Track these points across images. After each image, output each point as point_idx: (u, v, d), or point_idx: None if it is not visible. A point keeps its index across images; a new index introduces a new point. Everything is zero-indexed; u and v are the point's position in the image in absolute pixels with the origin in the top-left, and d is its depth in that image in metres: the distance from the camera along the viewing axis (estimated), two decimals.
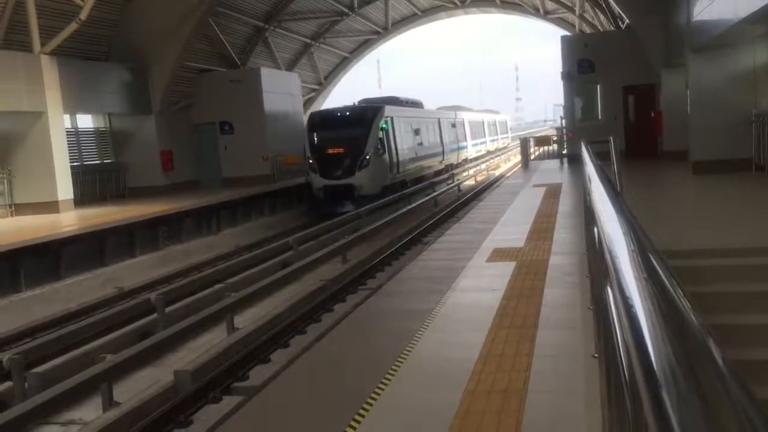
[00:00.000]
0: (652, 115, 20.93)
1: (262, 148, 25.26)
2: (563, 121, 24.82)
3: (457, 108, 41.25)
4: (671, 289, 1.05)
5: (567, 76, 22.81)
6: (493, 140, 53.47)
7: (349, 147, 23.24)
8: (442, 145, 33.27)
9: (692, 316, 0.91)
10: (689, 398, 0.68)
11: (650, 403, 0.73)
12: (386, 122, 24.48)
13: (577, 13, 35.93)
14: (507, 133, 64.43)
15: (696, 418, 0.64)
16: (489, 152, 50.03)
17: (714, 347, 0.80)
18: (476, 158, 44.13)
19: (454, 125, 36.60)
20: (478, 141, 45.73)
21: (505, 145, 61.27)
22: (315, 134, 24.20)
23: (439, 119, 33.75)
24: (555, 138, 27.06)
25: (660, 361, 0.80)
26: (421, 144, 29.42)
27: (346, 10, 34.22)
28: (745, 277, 6.94)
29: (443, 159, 33.58)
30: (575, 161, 19.65)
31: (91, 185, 21.33)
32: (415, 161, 28.12)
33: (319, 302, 11.25)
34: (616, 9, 23.05)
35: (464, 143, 39.43)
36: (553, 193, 14.94)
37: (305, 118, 27.79)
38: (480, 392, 4.19)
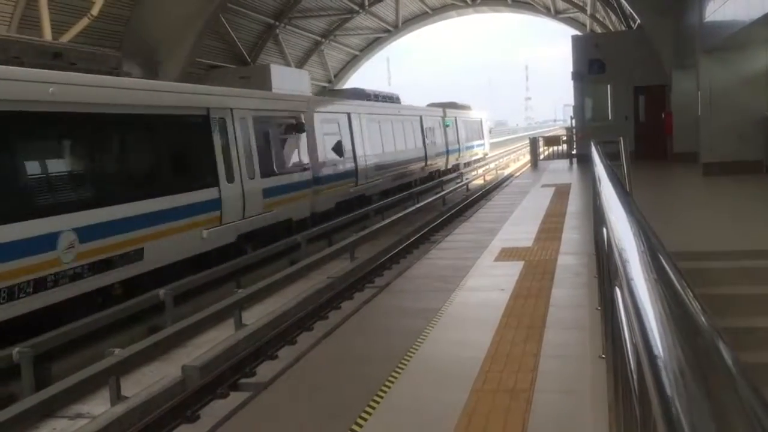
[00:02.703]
0: (663, 116, 20.84)
1: None
2: (573, 121, 24.75)
3: (338, 94, 24.08)
4: (681, 291, 1.05)
5: (577, 76, 22.73)
6: (444, 153, 32.39)
7: None
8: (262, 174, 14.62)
9: (703, 318, 0.91)
10: (699, 400, 0.68)
11: (660, 405, 0.73)
12: None
13: (588, 12, 35.81)
14: (482, 138, 42.19)
15: (706, 421, 0.64)
16: (439, 172, 31.97)
17: (725, 349, 0.80)
18: (401, 187, 25.57)
19: (304, 132, 16.97)
20: (408, 159, 26.46)
21: (479, 156, 41.56)
22: None
23: (250, 117, 14.55)
24: (564, 138, 27.00)
25: (670, 363, 0.80)
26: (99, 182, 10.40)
27: (356, 8, 34.23)
28: (755, 279, 6.90)
29: (238, 219, 13.61)
30: (585, 161, 19.59)
31: None
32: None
33: (326, 299, 11.27)
34: (628, 9, 22.95)
35: (348, 165, 20.07)
36: (562, 193, 14.90)
37: None
38: (487, 391, 4.19)
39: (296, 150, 16.75)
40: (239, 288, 11.26)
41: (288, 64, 31.34)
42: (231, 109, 13.80)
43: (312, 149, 17.14)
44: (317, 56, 35.55)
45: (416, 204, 22.01)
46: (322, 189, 17.56)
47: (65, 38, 17.86)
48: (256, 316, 10.34)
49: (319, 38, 34.37)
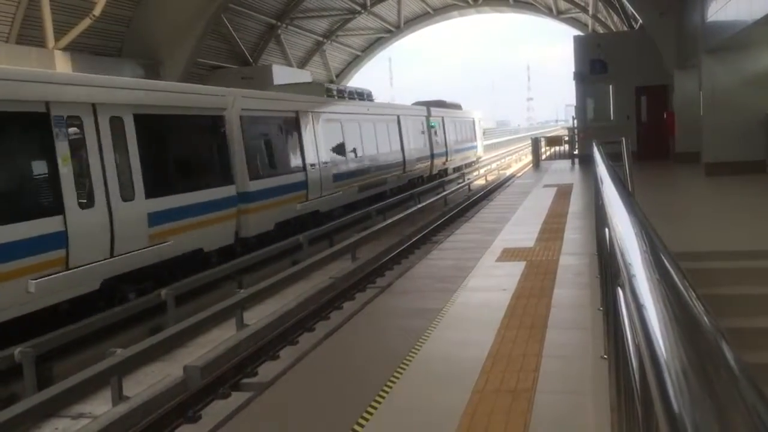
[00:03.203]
0: (665, 116, 20.83)
1: None
2: (575, 121, 24.74)
3: (285, 89, 19.30)
4: (684, 291, 1.05)
5: (579, 77, 22.72)
6: (428, 157, 29.03)
7: None
8: None
9: (705, 319, 0.91)
10: (702, 401, 0.68)
11: (662, 406, 0.73)
12: None
13: (590, 13, 35.81)
14: (475, 140, 39.05)
15: (709, 421, 0.64)
16: (422, 179, 28.66)
17: (727, 350, 0.79)
18: (372, 198, 21.94)
19: (224, 135, 13.43)
20: (381, 166, 23.23)
21: (471, 160, 38.56)
22: None
23: None
24: (566, 138, 27.00)
25: (672, 363, 0.79)
26: None
27: (358, 8, 34.24)
28: (757, 279, 6.90)
29: None
30: (586, 161, 19.57)
31: None
32: None
33: (328, 300, 11.27)
34: (630, 9, 22.94)
35: (295, 176, 16.28)
36: (564, 193, 14.89)
37: None
38: (488, 392, 4.19)
39: (211, 159, 13.21)
40: (241, 288, 11.26)
41: (290, 65, 31.36)
42: (93, 105, 9.92)
43: (237, 157, 13.61)
44: (319, 56, 35.57)
45: (418, 204, 22.01)
46: (251, 207, 13.89)
47: (67, 38, 17.91)
48: (257, 316, 10.35)
49: (321, 38, 34.38)
